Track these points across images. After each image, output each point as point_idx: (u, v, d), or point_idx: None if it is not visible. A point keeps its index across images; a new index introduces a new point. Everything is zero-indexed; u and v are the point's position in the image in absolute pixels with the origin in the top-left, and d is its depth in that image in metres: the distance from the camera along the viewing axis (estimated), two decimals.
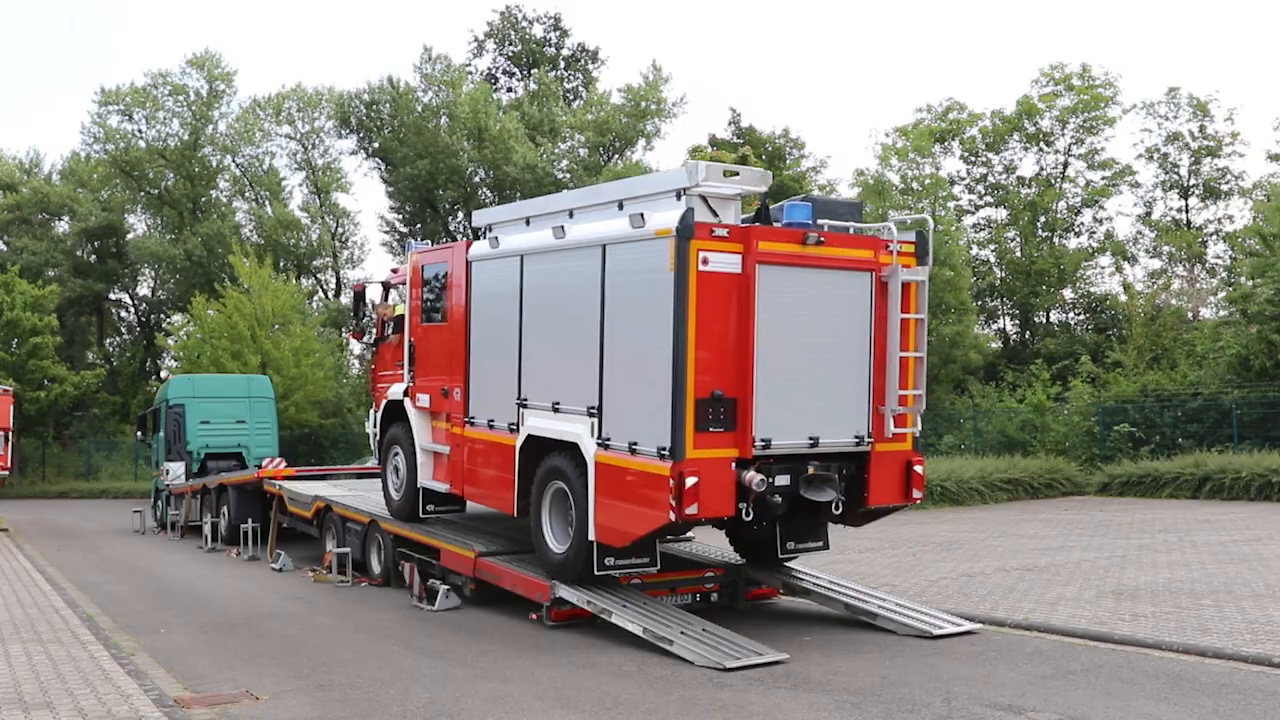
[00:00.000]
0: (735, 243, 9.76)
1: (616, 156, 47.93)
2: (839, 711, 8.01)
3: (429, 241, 14.82)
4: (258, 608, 13.67)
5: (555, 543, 11.29)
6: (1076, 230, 41.17)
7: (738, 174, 10.24)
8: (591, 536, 10.49)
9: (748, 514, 9.91)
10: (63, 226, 54.34)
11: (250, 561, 19.04)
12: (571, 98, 52.46)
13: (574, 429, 10.84)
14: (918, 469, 10.78)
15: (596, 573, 10.69)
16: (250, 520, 19.83)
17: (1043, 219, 39.90)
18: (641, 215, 9.97)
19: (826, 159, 43.72)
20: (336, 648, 10.83)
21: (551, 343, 11.46)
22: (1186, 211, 40.36)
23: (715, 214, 10.12)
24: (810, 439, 10.15)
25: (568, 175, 46.80)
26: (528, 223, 12.23)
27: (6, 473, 31.99)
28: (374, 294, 16.77)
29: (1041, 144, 40.45)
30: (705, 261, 9.60)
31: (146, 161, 50.74)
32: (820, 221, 10.41)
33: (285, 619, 12.74)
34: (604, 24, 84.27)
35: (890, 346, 10.45)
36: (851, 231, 10.68)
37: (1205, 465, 24.36)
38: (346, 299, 53.60)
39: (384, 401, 15.02)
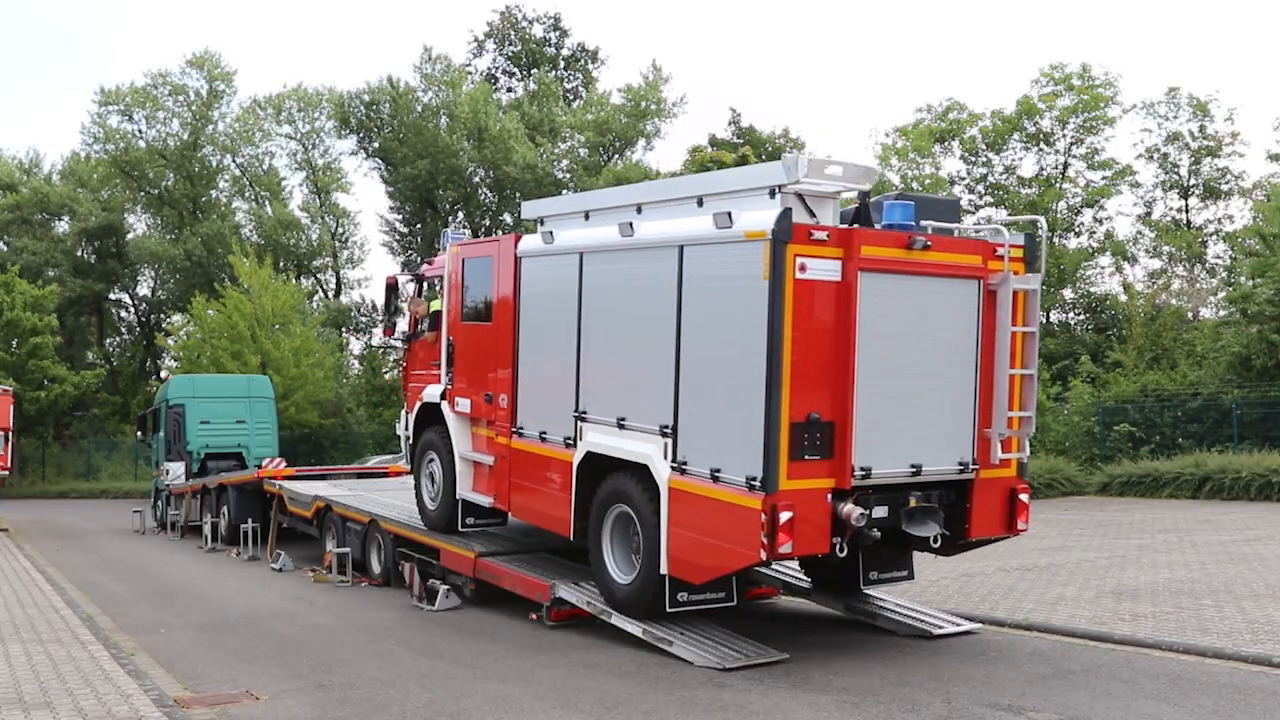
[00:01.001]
0: (835, 247, 8.75)
1: (616, 156, 47.97)
2: (839, 711, 8.01)
3: (465, 232, 13.91)
4: (258, 608, 13.67)
5: (618, 572, 10.37)
6: (1076, 230, 41.14)
7: (840, 169, 9.17)
8: (663, 570, 9.62)
9: (841, 550, 8.97)
10: (63, 226, 54.44)
11: (250, 561, 19.05)
12: (571, 98, 52.51)
13: (643, 449, 9.87)
14: (1023, 497, 9.84)
15: (669, 610, 9.87)
16: (250, 520, 19.85)
17: (1043, 219, 39.86)
18: (729, 214, 8.90)
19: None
20: (336, 648, 10.82)
21: (616, 352, 10.44)
22: (1186, 211, 40.34)
23: (812, 214, 9.08)
24: (912, 467, 9.18)
25: (568, 175, 46.84)
26: (587, 217, 11.16)
27: (6, 473, 32.04)
28: (399, 287, 15.73)
29: (1042, 144, 40.43)
30: (803, 268, 8.60)
31: (146, 161, 50.83)
32: (923, 223, 9.41)
33: (285, 619, 12.74)
34: (604, 24, 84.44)
35: (998, 362, 9.49)
36: (956, 234, 9.74)
37: (1205, 465, 24.34)
38: (347, 299, 53.73)
39: (418, 404, 13.95)
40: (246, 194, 54.22)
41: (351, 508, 16.30)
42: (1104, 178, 39.97)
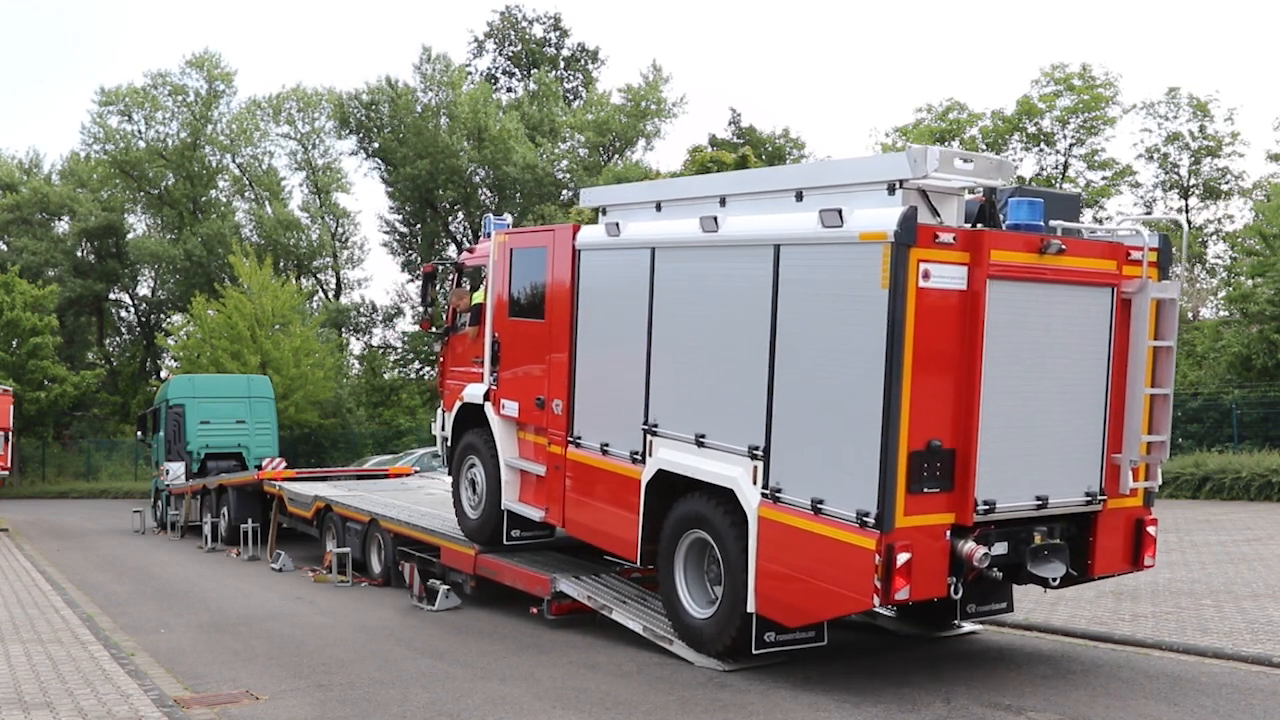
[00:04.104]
0: (962, 251, 7.80)
1: (616, 156, 48.00)
2: (839, 711, 8.01)
3: (507, 221, 13.05)
4: (258, 608, 13.67)
5: (693, 605, 9.54)
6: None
7: (971, 164, 8.11)
8: (750, 608, 8.73)
9: (956, 591, 8.09)
10: (63, 226, 54.49)
11: (250, 561, 19.05)
12: (571, 98, 52.55)
13: (727, 471, 8.93)
14: (1150, 530, 8.97)
15: (755, 651, 8.97)
16: (250, 520, 19.86)
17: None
18: (839, 212, 7.93)
19: (827, 159, 43.61)
20: (336, 648, 10.82)
21: (694, 360, 9.44)
22: (1186, 211, 40.35)
23: (936, 213, 8.12)
24: (1037, 499, 8.29)
25: (568, 175, 46.86)
26: (659, 208, 10.23)
27: (6, 473, 32.06)
28: (437, 275, 14.60)
29: (1042, 144, 40.44)
30: (926, 275, 7.63)
31: (146, 161, 50.89)
32: (1052, 223, 8.56)
33: (285, 619, 12.74)
34: (604, 24, 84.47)
35: (1132, 380, 8.59)
36: (1086, 235, 8.86)
37: (1205, 465, 24.31)
38: (347, 299, 53.74)
39: (458, 403, 12.90)
40: (246, 194, 54.27)
41: (352, 507, 16.31)
42: (1104, 178, 39.99)
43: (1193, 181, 39.79)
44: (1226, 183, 39.36)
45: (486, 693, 8.77)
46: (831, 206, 8.04)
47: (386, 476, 21.35)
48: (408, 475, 21.71)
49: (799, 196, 8.66)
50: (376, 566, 15.26)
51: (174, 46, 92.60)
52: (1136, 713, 7.93)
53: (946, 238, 7.74)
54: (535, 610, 11.51)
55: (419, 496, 17.63)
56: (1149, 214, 38.79)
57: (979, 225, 8.30)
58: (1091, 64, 39.15)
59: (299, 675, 9.60)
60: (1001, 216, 8.50)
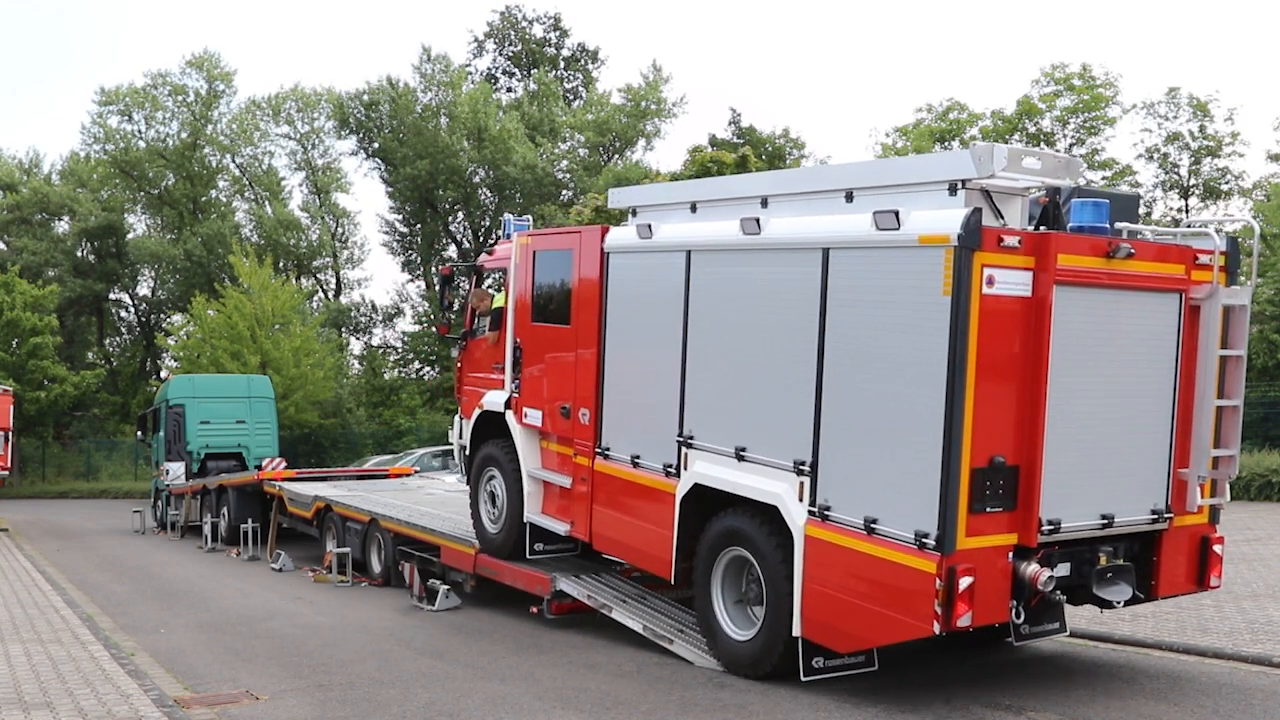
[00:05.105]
0: (1027, 255, 7.38)
1: (616, 156, 48.02)
2: (839, 711, 8.01)
3: (527, 222, 12.67)
4: (258, 608, 13.68)
5: (732, 626, 9.17)
6: None
7: (1038, 162, 7.82)
8: (796, 631, 8.37)
9: (1017, 616, 7.77)
10: (63, 226, 54.48)
11: (250, 561, 19.06)
12: (571, 98, 52.56)
13: (771, 486, 8.52)
14: (1216, 549, 8.59)
15: (805, 678, 8.57)
16: (250, 520, 19.87)
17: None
18: (895, 213, 7.52)
19: (827, 159, 43.55)
20: (336, 648, 10.83)
21: (734, 369, 9.01)
22: (1186, 212, 40.32)
23: (999, 215, 7.80)
24: (1103, 518, 7.89)
25: (568, 175, 46.87)
26: (694, 209, 9.83)
27: (6, 473, 32.05)
28: (454, 278, 14.08)
29: (1042, 144, 40.43)
30: (990, 281, 7.22)
31: (146, 161, 50.91)
32: (1118, 226, 8.12)
33: (285, 619, 12.74)
34: (604, 24, 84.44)
35: (1201, 391, 8.20)
36: (1151, 238, 8.43)
37: None
38: (347, 299, 53.74)
39: (477, 411, 12.47)
40: (246, 194, 54.28)
41: (352, 507, 16.32)
42: (1104, 178, 39.96)
43: (1193, 181, 39.79)
44: (1226, 183, 39.36)
45: (486, 693, 8.77)
46: (886, 208, 7.63)
47: (386, 476, 21.37)
48: (408, 475, 21.74)
49: (849, 197, 8.27)
50: (376, 566, 15.27)
51: (174, 46, 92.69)
52: (1136, 713, 7.93)
53: (1011, 241, 7.32)
54: (535, 609, 11.50)
55: (419, 496, 17.65)
56: (1149, 214, 38.80)
57: (1042, 227, 7.92)
58: (1091, 64, 39.16)
59: (299, 675, 9.60)
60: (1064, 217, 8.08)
